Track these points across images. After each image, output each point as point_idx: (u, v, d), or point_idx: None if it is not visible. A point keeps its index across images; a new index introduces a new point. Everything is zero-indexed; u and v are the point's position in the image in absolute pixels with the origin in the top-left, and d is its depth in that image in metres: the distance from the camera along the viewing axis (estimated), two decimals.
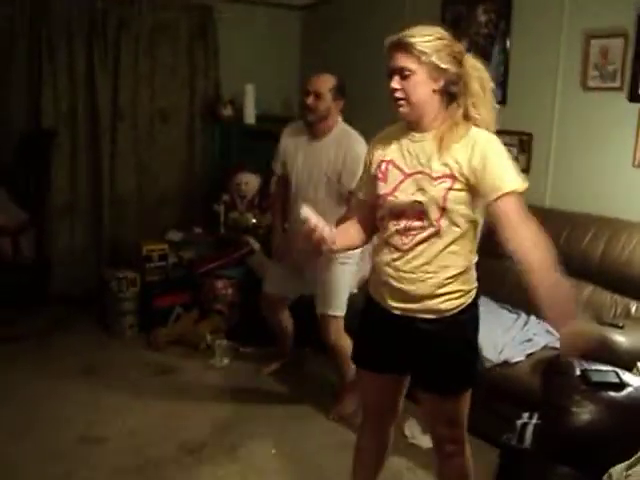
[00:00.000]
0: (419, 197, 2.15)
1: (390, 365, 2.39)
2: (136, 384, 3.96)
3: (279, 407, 3.78)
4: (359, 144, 3.38)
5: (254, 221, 4.72)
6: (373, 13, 5.03)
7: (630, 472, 2.07)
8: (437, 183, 2.13)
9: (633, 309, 3.41)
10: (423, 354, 2.29)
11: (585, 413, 2.33)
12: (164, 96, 5.23)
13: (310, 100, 3.45)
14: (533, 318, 3.61)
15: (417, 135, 2.21)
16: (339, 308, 3.56)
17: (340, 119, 3.54)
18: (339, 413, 3.65)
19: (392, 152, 2.25)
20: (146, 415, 3.63)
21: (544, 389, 2.64)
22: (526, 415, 2.82)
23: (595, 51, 3.74)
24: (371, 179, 2.31)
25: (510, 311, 3.72)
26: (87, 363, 4.20)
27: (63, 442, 3.33)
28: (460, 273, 2.22)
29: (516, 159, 4.15)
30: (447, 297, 2.22)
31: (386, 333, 2.34)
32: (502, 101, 4.24)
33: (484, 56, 4.25)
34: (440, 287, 2.20)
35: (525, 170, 4.14)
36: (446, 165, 2.12)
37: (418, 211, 2.16)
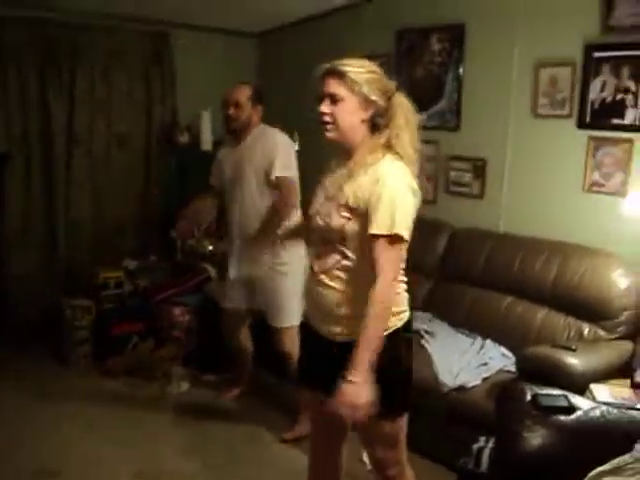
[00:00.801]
0: (325, 223, 2.23)
1: (325, 385, 2.34)
2: (91, 414, 3.88)
3: (238, 433, 3.74)
4: (279, 134, 3.60)
5: (211, 248, 4.67)
6: (329, 41, 5.08)
7: None
8: (338, 214, 2.20)
9: (586, 331, 3.46)
10: (336, 376, 2.24)
11: (536, 437, 2.37)
12: (120, 122, 5.18)
13: (231, 110, 3.61)
14: (489, 342, 3.65)
15: (345, 160, 2.28)
16: (288, 318, 3.58)
17: (262, 125, 3.68)
18: (293, 434, 3.63)
19: (327, 177, 2.35)
20: (101, 445, 3.56)
21: (497, 414, 2.68)
22: (482, 439, 2.85)
23: (544, 80, 3.83)
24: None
25: (466, 335, 3.75)
26: (41, 392, 4.11)
27: (15, 474, 3.25)
28: (363, 299, 2.16)
29: (470, 184, 4.23)
30: (356, 322, 2.15)
31: (317, 354, 2.37)
32: (456, 127, 4.31)
33: (438, 84, 4.36)
34: (359, 308, 2.14)
35: (479, 195, 4.21)
36: (348, 195, 2.19)
37: (327, 239, 2.24)
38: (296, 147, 4.77)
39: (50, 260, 5.03)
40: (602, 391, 2.93)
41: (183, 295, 4.69)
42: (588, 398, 2.88)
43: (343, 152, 2.29)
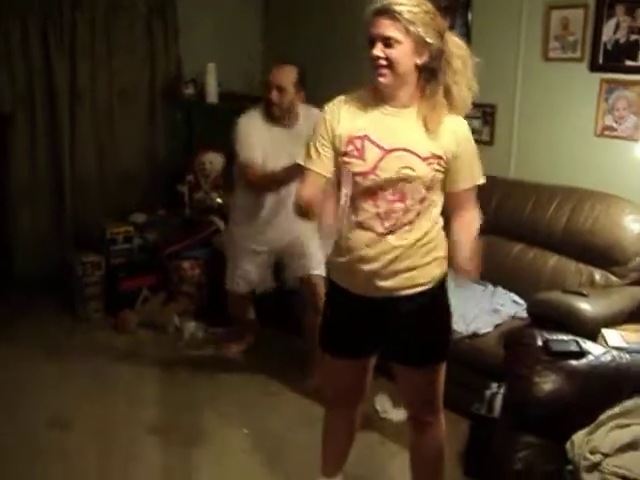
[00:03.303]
0: (407, 175, 2.11)
1: (362, 349, 2.39)
2: (103, 368, 3.92)
3: (248, 386, 3.77)
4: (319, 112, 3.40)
5: (219, 200, 4.68)
6: None
7: (591, 437, 2.11)
8: (426, 163, 2.11)
9: (597, 277, 3.45)
10: (405, 331, 2.27)
11: (547, 382, 2.37)
12: (124, 77, 5.12)
13: (274, 95, 3.42)
14: (500, 289, 3.64)
15: (391, 109, 2.15)
16: (320, 267, 3.48)
17: (303, 107, 3.51)
18: (314, 384, 3.59)
19: (365, 126, 2.16)
20: (113, 398, 3.60)
21: (507, 360, 2.68)
22: (495, 385, 2.86)
23: (556, 22, 3.74)
24: (338, 155, 2.19)
25: (477, 283, 3.74)
26: (53, 348, 4.13)
27: (30, 427, 3.30)
28: (436, 240, 2.24)
29: (480, 131, 4.18)
30: (430, 266, 2.22)
31: (358, 318, 2.31)
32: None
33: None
34: (422, 257, 2.20)
35: (489, 142, 4.16)
36: (433, 146, 2.12)
37: (401, 190, 2.12)
38: None
39: (58, 217, 5.04)
40: (614, 336, 2.92)
41: (192, 249, 4.69)
42: (600, 343, 2.88)
43: (377, 98, 2.16)
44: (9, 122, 4.75)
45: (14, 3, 4.58)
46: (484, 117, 4.16)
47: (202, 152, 4.91)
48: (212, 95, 5.15)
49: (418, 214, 2.16)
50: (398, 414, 3.28)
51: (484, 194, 3.88)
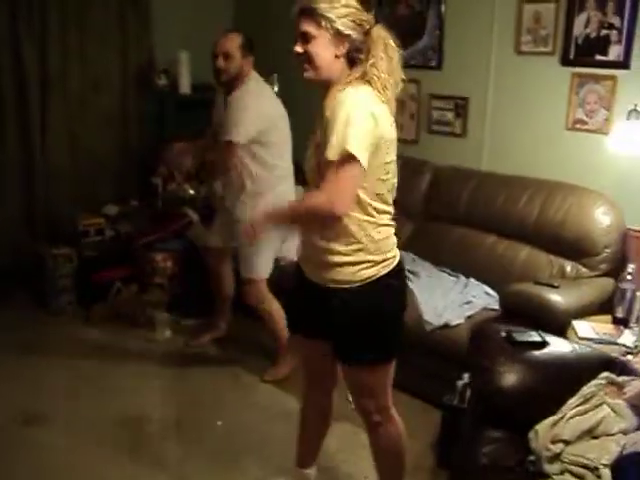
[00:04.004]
0: (311, 165, 2.24)
1: (316, 331, 2.40)
2: (76, 361, 3.89)
3: (222, 377, 3.77)
4: (246, 94, 3.49)
5: (192, 192, 4.64)
6: None
7: (554, 427, 2.14)
8: (314, 152, 2.20)
9: (568, 269, 3.49)
10: (334, 323, 2.29)
11: (510, 373, 2.40)
12: (96, 66, 5.06)
13: (220, 62, 3.48)
14: (472, 280, 3.67)
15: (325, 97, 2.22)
16: (256, 272, 3.61)
17: (253, 76, 3.57)
18: (273, 376, 3.69)
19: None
20: (86, 392, 3.58)
21: (471, 352, 2.70)
22: (466, 376, 2.88)
23: (528, 16, 3.77)
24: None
25: (449, 274, 3.77)
26: (25, 340, 4.09)
27: (2, 422, 3.26)
28: (360, 243, 2.19)
29: (452, 123, 4.20)
30: (348, 267, 2.20)
31: (310, 301, 2.35)
32: (438, 66, 4.26)
33: (420, 21, 4.28)
34: (339, 255, 2.19)
35: (461, 134, 4.19)
36: (316, 132, 2.19)
37: (315, 181, 2.20)
38: (275, 89, 4.72)
39: (28, 208, 4.96)
40: (584, 327, 2.97)
41: (165, 240, 4.65)
42: (570, 335, 2.92)
43: (323, 91, 2.22)
44: None
45: None
46: (456, 109, 4.18)
47: (174, 143, 4.87)
48: (185, 86, 5.11)
49: None
50: None
51: (456, 186, 3.98)
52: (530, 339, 2.55)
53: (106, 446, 3.12)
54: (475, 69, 4.07)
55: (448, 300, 3.47)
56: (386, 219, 2.24)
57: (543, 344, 2.52)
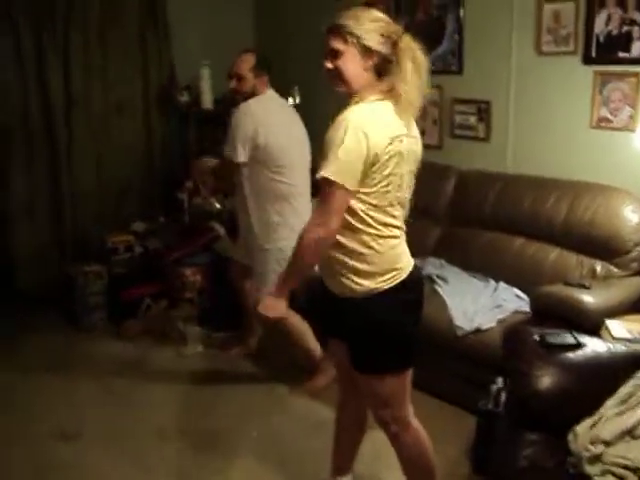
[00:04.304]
0: None
1: (338, 332, 2.45)
2: (108, 377, 3.92)
3: (255, 389, 3.78)
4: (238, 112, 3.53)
5: (218, 206, 4.68)
6: None
7: (593, 428, 2.12)
8: None
9: (598, 269, 3.45)
10: (347, 330, 2.35)
11: (546, 376, 2.38)
12: (118, 86, 5.11)
13: (233, 84, 3.63)
14: (502, 284, 3.65)
15: None
16: (261, 281, 3.63)
17: (268, 92, 3.64)
18: (309, 388, 3.68)
19: None
20: (120, 407, 3.60)
21: (506, 355, 2.69)
22: (500, 380, 2.86)
23: (548, 15, 3.75)
24: None
25: (479, 279, 3.75)
26: (57, 359, 4.15)
27: (38, 440, 3.30)
28: (360, 254, 2.21)
29: (476, 127, 4.19)
30: (353, 278, 2.23)
31: (329, 306, 2.41)
32: (459, 70, 4.25)
33: (438, 26, 4.27)
34: (345, 266, 2.23)
35: (485, 138, 4.17)
36: None
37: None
38: (297, 101, 4.75)
39: (57, 229, 5.03)
40: (617, 327, 2.93)
41: (193, 255, 4.69)
42: (604, 335, 2.89)
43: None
44: (6, 136, 4.75)
45: (7, 16, 4.58)
46: (479, 113, 4.17)
47: (200, 158, 4.91)
48: (207, 101, 5.16)
49: None
50: None
51: (482, 190, 3.96)
52: (564, 341, 2.53)
53: (140, 461, 3.13)
54: (496, 72, 4.06)
55: (479, 304, 3.45)
56: (388, 231, 2.23)
57: (577, 346, 2.50)
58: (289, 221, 3.50)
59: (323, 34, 2.25)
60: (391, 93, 2.18)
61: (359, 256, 2.21)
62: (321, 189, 2.13)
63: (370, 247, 2.20)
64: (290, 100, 4.59)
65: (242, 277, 3.96)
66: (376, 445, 2.99)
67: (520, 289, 3.57)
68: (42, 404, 3.64)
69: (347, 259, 2.21)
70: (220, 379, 3.91)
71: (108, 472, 3.06)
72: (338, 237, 2.18)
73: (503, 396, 2.80)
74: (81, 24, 4.86)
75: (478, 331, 3.31)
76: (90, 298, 4.56)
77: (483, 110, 4.16)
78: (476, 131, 4.21)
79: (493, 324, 3.33)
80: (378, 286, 2.22)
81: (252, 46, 5.54)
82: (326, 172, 2.08)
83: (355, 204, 2.15)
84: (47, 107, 4.84)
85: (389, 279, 2.23)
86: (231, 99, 3.80)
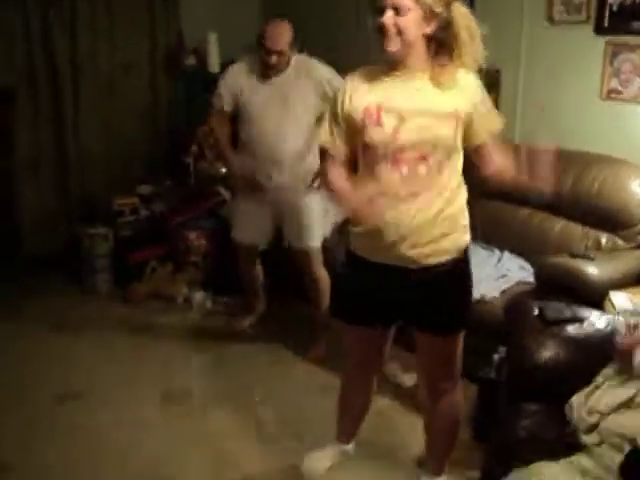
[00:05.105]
0: (427, 137, 2.13)
1: (383, 318, 2.42)
2: (114, 339, 3.97)
3: (259, 354, 3.81)
4: (312, 60, 3.52)
5: (224, 170, 4.67)
6: None
7: (588, 398, 2.14)
8: (444, 124, 2.13)
9: (603, 241, 3.45)
10: (427, 300, 2.29)
11: (545, 350, 2.40)
12: (125, 49, 5.09)
13: (274, 60, 3.42)
14: (506, 254, 3.65)
15: (403, 76, 2.16)
16: (317, 239, 3.62)
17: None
18: (314, 354, 3.71)
19: (380, 94, 2.18)
20: (125, 370, 3.64)
21: (506, 328, 2.70)
22: (503, 350, 2.88)
23: None
24: (353, 126, 2.21)
25: (484, 248, 3.75)
26: (62, 321, 4.18)
27: (41, 400, 3.34)
28: (462, 207, 2.28)
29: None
30: (458, 234, 2.26)
31: (379, 288, 2.30)
32: None
33: None
34: (452, 223, 2.24)
35: (494, 107, 4.13)
36: (449, 106, 2.13)
37: (422, 152, 2.14)
38: None
39: (63, 191, 5.05)
40: (621, 298, 2.93)
41: (199, 219, 4.70)
42: (607, 307, 2.90)
43: (389, 67, 2.18)
44: (11, 97, 4.73)
45: None
46: (489, 82, 4.13)
47: (205, 122, 4.89)
48: (214, 65, 5.12)
49: (441, 174, 2.17)
50: (408, 379, 3.32)
51: None
52: (562, 316, 2.53)
53: (143, 423, 3.17)
54: (507, 40, 4.00)
55: (483, 274, 3.45)
56: None
57: (576, 320, 2.50)
58: None
59: None
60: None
61: (464, 211, 2.28)
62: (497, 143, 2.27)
63: (464, 201, 2.29)
64: None
65: (252, 259, 3.96)
66: (379, 412, 3.04)
67: (525, 259, 3.58)
68: (45, 365, 3.68)
69: (460, 216, 2.26)
70: (224, 344, 3.94)
71: (110, 433, 3.09)
72: (459, 190, 2.25)
73: (505, 366, 2.83)
74: None
75: (482, 300, 3.32)
76: (96, 261, 4.59)
77: (493, 78, 4.12)
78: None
79: (497, 294, 3.34)
80: (468, 240, 2.33)
81: (259, 12, 5.52)
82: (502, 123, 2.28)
83: (461, 158, 2.25)
84: (53, 70, 4.83)
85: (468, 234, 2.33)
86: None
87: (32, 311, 4.29)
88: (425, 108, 2.13)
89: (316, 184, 3.50)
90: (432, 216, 2.18)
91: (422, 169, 2.15)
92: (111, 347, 3.86)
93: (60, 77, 4.85)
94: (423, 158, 2.14)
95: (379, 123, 2.15)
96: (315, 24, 4.85)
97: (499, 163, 2.26)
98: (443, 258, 2.24)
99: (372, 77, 2.22)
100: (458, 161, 2.23)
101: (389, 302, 2.32)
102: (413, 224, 2.17)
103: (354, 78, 2.26)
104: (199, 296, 4.37)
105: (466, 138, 2.20)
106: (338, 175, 2.27)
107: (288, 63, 3.51)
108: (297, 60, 3.53)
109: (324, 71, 3.49)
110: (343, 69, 2.27)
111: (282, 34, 3.44)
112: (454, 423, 2.56)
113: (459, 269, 2.31)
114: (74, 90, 4.93)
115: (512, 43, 3.98)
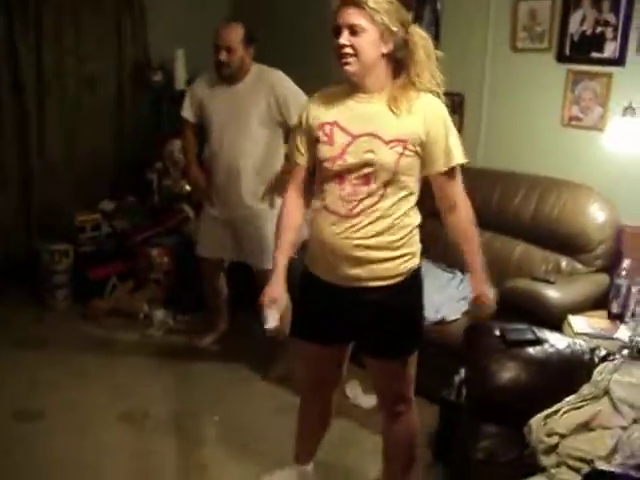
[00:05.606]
0: (370, 160, 2.13)
1: (337, 336, 2.41)
2: (73, 357, 3.89)
3: (219, 373, 3.78)
4: (277, 72, 3.52)
5: (188, 188, 4.65)
6: None
7: (547, 421, 2.16)
8: (389, 147, 2.13)
9: (563, 264, 3.51)
10: (373, 323, 2.29)
11: (505, 371, 2.41)
12: (91, 63, 5.04)
13: (223, 56, 3.45)
14: (468, 276, 3.67)
15: (362, 97, 2.19)
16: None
17: (254, 65, 3.56)
18: (274, 374, 3.69)
19: (336, 114, 2.21)
20: (84, 388, 3.58)
21: (466, 349, 2.72)
22: (463, 371, 2.90)
23: (524, 12, 3.78)
24: (311, 143, 2.27)
25: (445, 270, 3.79)
26: (21, 337, 4.10)
27: None
28: (407, 235, 2.24)
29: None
30: (399, 261, 2.24)
31: (330, 306, 2.32)
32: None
33: (416, 17, 4.26)
34: (391, 250, 2.21)
35: (457, 131, 4.17)
36: (398, 130, 2.13)
37: (366, 174, 2.15)
38: None
39: (25, 205, 4.95)
40: (580, 322, 2.99)
41: (161, 236, 4.67)
42: (566, 330, 2.94)
43: (351, 88, 2.20)
44: None
45: None
46: (452, 106, 4.18)
47: (171, 139, 4.87)
48: (181, 81, 5.11)
49: (383, 199, 2.17)
50: (368, 400, 3.32)
51: None
52: (524, 337, 2.56)
53: (101, 443, 3.12)
54: (471, 65, 4.08)
55: (445, 296, 3.48)
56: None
57: (537, 342, 2.53)
58: None
59: (335, 6, 2.14)
60: (413, 85, 2.17)
61: (411, 239, 2.27)
62: (456, 174, 2.25)
63: (413, 231, 2.29)
64: None
65: (216, 274, 3.95)
66: (338, 433, 3.03)
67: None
68: (3, 382, 3.59)
69: (404, 244, 2.24)
70: (184, 362, 3.90)
71: (68, 454, 3.03)
72: (405, 218, 2.23)
73: (465, 387, 2.84)
74: (53, 2, 4.77)
75: (443, 322, 3.34)
76: (55, 276, 4.51)
77: (456, 102, 4.18)
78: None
79: (458, 316, 3.37)
80: (417, 262, 2.32)
81: None
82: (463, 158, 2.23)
83: (414, 186, 2.24)
84: (17, 84, 4.74)
85: (419, 256, 2.33)
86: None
87: None
88: (372, 131, 2.15)
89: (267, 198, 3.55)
90: (370, 240, 2.19)
91: (363, 191, 2.17)
92: (70, 365, 3.79)
93: (25, 92, 4.78)
94: (366, 180, 2.16)
95: (331, 141, 2.20)
96: (284, 39, 4.90)
97: (453, 202, 2.29)
98: (387, 281, 2.24)
99: (334, 96, 2.25)
100: (406, 189, 2.20)
101: (341, 321, 2.33)
102: (351, 244, 2.20)
103: (318, 96, 2.31)
104: (160, 314, 4.33)
105: (422, 166, 2.21)
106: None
107: (245, 71, 3.52)
108: (258, 70, 3.54)
109: (283, 85, 3.48)
110: (312, 86, 2.28)
111: (231, 31, 3.48)
112: (410, 445, 2.54)
113: (403, 294, 2.28)
114: (39, 105, 4.86)
115: (476, 68, 4.06)
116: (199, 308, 4.28)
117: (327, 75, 2.45)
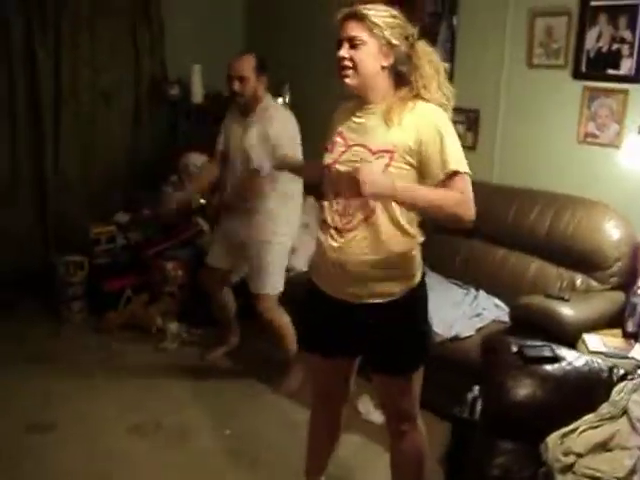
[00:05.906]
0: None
1: (340, 349, 2.40)
2: (86, 369, 3.91)
3: (231, 387, 3.77)
4: (280, 113, 3.59)
5: (203, 201, 4.66)
6: None
7: (565, 439, 2.14)
8: (375, 157, 2.13)
9: (578, 282, 3.48)
10: (373, 339, 2.28)
11: (522, 387, 2.40)
12: (108, 77, 5.09)
13: (236, 86, 3.53)
14: (482, 293, 3.67)
15: (367, 107, 2.21)
16: (269, 287, 3.62)
17: (267, 95, 3.63)
18: (285, 389, 3.69)
19: (343, 124, 2.26)
20: (97, 400, 3.59)
21: (483, 366, 2.70)
22: (477, 388, 2.87)
23: (540, 29, 3.78)
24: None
25: (460, 286, 3.77)
26: (35, 349, 4.12)
27: (11, 431, 3.27)
28: (405, 252, 2.22)
29: (463, 136, 4.20)
30: (397, 279, 2.22)
31: (332, 319, 2.32)
32: (449, 78, 4.23)
33: (431, 33, 4.28)
34: (388, 267, 2.20)
35: (472, 147, 4.19)
36: (386, 140, 2.13)
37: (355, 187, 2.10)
38: (287, 100, 4.74)
39: (40, 217, 4.99)
40: (595, 341, 2.96)
41: (176, 249, 4.68)
42: (580, 348, 2.91)
43: (360, 100, 2.23)
44: None
45: None
46: (467, 122, 4.19)
47: (186, 153, 4.90)
48: (197, 95, 5.15)
49: (374, 211, 2.16)
50: (380, 416, 3.29)
51: None
52: (542, 354, 2.54)
53: (116, 454, 3.12)
54: (487, 81, 4.08)
55: (458, 312, 3.46)
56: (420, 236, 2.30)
57: (555, 359, 2.51)
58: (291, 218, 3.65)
59: (338, 19, 2.16)
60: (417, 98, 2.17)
61: (408, 259, 2.23)
62: (458, 183, 2.09)
63: (416, 240, 2.25)
64: (280, 100, 4.58)
65: (215, 283, 3.94)
66: (349, 448, 3.01)
67: (500, 299, 3.60)
68: (17, 395, 3.61)
69: (401, 264, 2.21)
70: (197, 375, 3.90)
71: (79, 466, 3.03)
72: (402, 234, 2.19)
73: (479, 404, 2.82)
74: (73, 15, 4.82)
75: (456, 339, 3.32)
76: (70, 288, 4.53)
77: (472, 119, 4.17)
78: (464, 139, 4.20)
79: (472, 332, 3.35)
80: (418, 280, 2.28)
81: (242, 45, 5.58)
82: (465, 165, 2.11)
83: None
84: (35, 97, 4.80)
85: (421, 273, 2.30)
86: (225, 98, 3.78)
87: (5, 337, 4.21)
88: (363, 141, 2.17)
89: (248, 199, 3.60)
90: (366, 256, 2.19)
91: (355, 204, 2.17)
92: (84, 378, 3.80)
93: (41, 102, 4.83)
94: (356, 194, 2.11)
95: (332, 149, 2.26)
96: (297, 55, 4.92)
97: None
98: (385, 299, 2.22)
99: (348, 108, 2.29)
100: (402, 203, 2.14)
101: (342, 334, 2.33)
102: (347, 259, 2.20)
103: (341, 107, 2.36)
104: (173, 327, 4.33)
105: (421, 176, 2.15)
106: None
107: (258, 100, 3.57)
108: (267, 105, 3.60)
109: (278, 131, 3.49)
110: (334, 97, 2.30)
111: (243, 61, 3.55)
112: (417, 463, 2.52)
113: (406, 309, 2.26)
114: (55, 116, 4.91)
115: (492, 85, 4.05)
116: (212, 322, 4.28)
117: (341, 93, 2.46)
